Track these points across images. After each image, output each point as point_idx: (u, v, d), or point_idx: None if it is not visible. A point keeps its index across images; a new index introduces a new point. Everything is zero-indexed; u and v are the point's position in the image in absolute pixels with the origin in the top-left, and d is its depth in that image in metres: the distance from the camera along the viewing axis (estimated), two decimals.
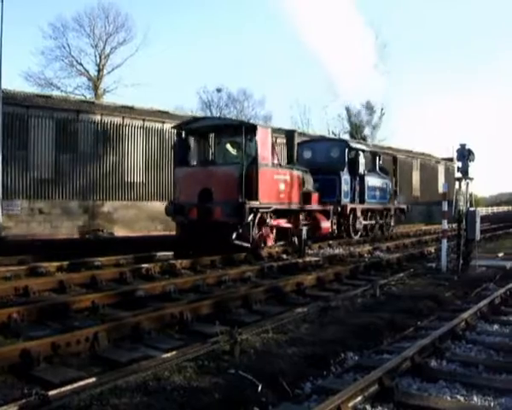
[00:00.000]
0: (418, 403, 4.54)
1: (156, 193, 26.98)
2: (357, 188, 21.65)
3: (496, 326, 7.47)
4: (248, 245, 14.95)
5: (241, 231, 14.78)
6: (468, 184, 13.23)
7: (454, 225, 13.26)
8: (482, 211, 49.62)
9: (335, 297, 9.27)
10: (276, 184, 16.09)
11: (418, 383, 5.10)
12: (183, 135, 17.07)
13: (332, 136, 48.92)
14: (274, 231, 16.48)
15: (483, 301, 8.31)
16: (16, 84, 60.73)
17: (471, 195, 13.37)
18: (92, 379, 5.03)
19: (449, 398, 4.73)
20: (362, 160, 22.08)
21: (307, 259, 14.35)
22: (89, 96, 50.19)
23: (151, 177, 26.82)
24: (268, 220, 15.83)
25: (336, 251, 17.28)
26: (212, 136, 18.53)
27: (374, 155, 24.44)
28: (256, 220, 15.11)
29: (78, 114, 24.46)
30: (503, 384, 5.03)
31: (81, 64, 53.04)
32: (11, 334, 6.93)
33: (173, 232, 17.78)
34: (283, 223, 16.78)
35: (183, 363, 5.44)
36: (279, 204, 16.15)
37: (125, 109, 27.17)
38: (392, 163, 27.90)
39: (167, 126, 27.57)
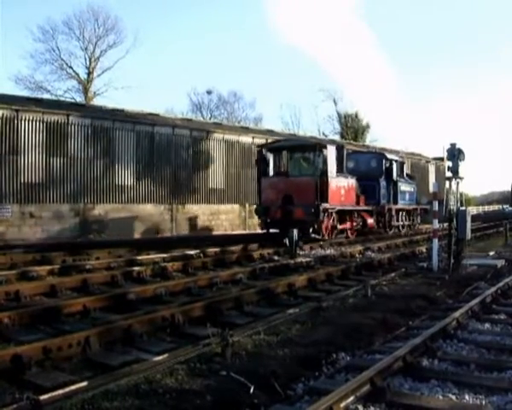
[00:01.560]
0: (410, 403, 4.55)
1: (148, 196, 26.92)
2: (392, 191, 25.65)
3: (487, 325, 7.51)
4: (320, 237, 19.51)
5: (316, 226, 19.20)
6: (458, 183, 13.29)
7: (445, 225, 13.31)
8: (473, 210, 49.90)
9: (327, 298, 9.28)
10: (339, 190, 20.72)
11: (410, 382, 5.12)
12: (264, 152, 21.49)
13: (323, 137, 48.98)
14: (337, 226, 20.93)
15: (474, 300, 8.34)
16: (6, 87, 60.52)
17: (462, 194, 13.43)
18: (84, 383, 5.02)
19: (441, 397, 4.75)
20: (395, 168, 25.98)
21: (298, 260, 14.37)
22: (79, 99, 50.21)
23: (142, 180, 26.76)
24: (333, 218, 20.37)
25: (327, 252, 17.30)
26: (285, 153, 22.92)
27: (401, 164, 27.80)
28: (326, 218, 19.51)
29: (69, 117, 24.36)
30: (494, 383, 5.06)
31: (71, 67, 53.04)
32: (2, 339, 6.91)
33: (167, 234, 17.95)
34: (343, 220, 21.45)
35: (175, 366, 5.43)
36: (341, 205, 20.71)
37: (116, 112, 27.14)
38: None
39: (158, 129, 27.59)
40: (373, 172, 24.64)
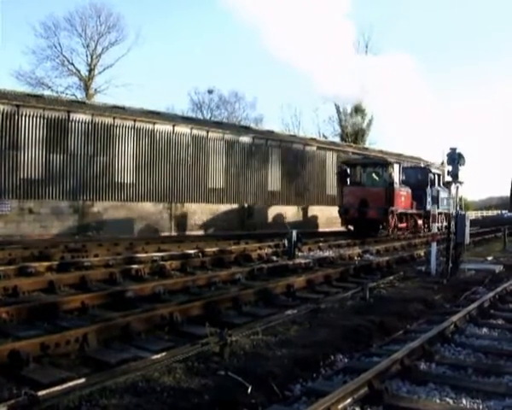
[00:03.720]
0: (407, 406, 4.56)
1: (147, 194, 26.92)
2: (434, 199, 30.50)
3: (485, 329, 7.51)
4: (387, 233, 25.91)
5: (384, 224, 25.85)
6: (458, 187, 13.30)
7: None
8: (472, 215, 49.88)
9: (325, 300, 9.28)
10: (401, 197, 26.95)
11: (407, 385, 5.12)
12: (344, 167, 28.76)
13: (323, 138, 48.97)
14: (398, 225, 26.89)
15: (472, 305, 8.34)
16: (7, 83, 60.46)
17: (461, 198, 13.42)
18: (82, 380, 5.02)
19: (438, 401, 4.76)
20: (436, 180, 31.56)
21: (297, 261, 14.35)
22: (80, 96, 50.12)
23: (142, 178, 26.76)
24: (396, 218, 26.33)
25: (326, 254, 17.30)
26: (359, 167, 28.37)
27: (439, 175, 33.08)
28: (391, 218, 25.49)
29: (69, 113, 24.38)
30: (491, 387, 5.06)
31: (72, 64, 52.91)
32: (0, 334, 6.89)
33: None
34: (402, 220, 27.49)
35: (173, 364, 5.43)
36: (402, 209, 27.05)
37: (116, 110, 27.13)
38: None
39: (158, 127, 27.59)
40: (421, 182, 29.87)
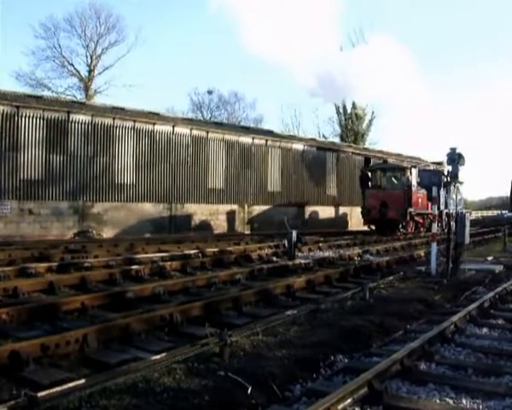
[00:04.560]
0: (407, 406, 4.56)
1: (147, 194, 26.92)
2: (447, 200, 30.63)
3: (485, 330, 7.51)
4: (405, 231, 28.26)
5: (404, 223, 28.27)
6: (458, 187, 13.28)
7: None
8: (472, 215, 49.89)
9: (325, 300, 9.28)
10: (418, 198, 29.27)
11: (407, 385, 5.12)
12: (365, 171, 32.86)
13: (322, 139, 49.00)
14: (415, 224, 29.72)
15: (472, 305, 8.34)
16: (7, 83, 60.48)
17: (461, 198, 13.43)
18: (81, 381, 5.02)
19: (438, 401, 4.76)
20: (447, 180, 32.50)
21: (297, 261, 14.35)
22: (80, 96, 50.14)
23: (142, 178, 26.76)
24: (413, 219, 28.99)
25: (326, 254, 17.31)
26: (379, 172, 31.10)
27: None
28: (410, 218, 28.09)
29: (69, 114, 24.37)
30: (491, 387, 5.07)
31: (72, 65, 52.93)
32: (0, 335, 6.89)
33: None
34: (419, 220, 30.15)
35: (173, 365, 5.43)
36: (419, 210, 29.21)
37: (116, 110, 27.13)
38: None
39: (158, 128, 27.60)
40: (434, 184, 29.69)
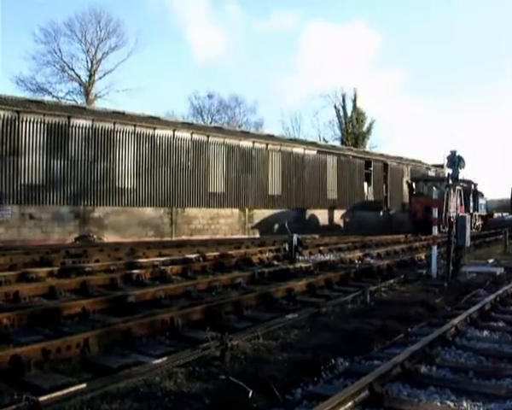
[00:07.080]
0: (408, 409, 4.56)
1: (147, 199, 26.95)
2: (475, 204, 39.05)
3: (486, 332, 7.52)
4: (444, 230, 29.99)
5: (444, 224, 28.33)
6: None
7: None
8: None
9: (326, 303, 9.28)
10: (455, 203, 30.10)
11: (408, 388, 5.12)
12: (410, 181, 39.21)
13: (323, 142, 49.07)
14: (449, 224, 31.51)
15: (473, 308, 8.34)
16: (7, 88, 60.56)
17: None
18: (83, 385, 5.02)
19: (439, 404, 4.76)
20: (475, 189, 39.76)
21: (298, 265, 14.35)
22: (80, 101, 50.22)
23: (142, 182, 26.80)
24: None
25: (327, 257, 17.31)
26: (421, 182, 37.46)
27: (476, 185, 40.57)
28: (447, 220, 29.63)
29: (70, 119, 24.42)
30: (492, 390, 5.06)
31: (72, 69, 53.06)
32: (1, 339, 6.89)
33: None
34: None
35: (174, 369, 5.44)
36: (454, 213, 28.29)
37: (117, 115, 27.18)
38: (382, 170, 31.85)
39: (158, 132, 27.64)
40: (467, 191, 35.22)
